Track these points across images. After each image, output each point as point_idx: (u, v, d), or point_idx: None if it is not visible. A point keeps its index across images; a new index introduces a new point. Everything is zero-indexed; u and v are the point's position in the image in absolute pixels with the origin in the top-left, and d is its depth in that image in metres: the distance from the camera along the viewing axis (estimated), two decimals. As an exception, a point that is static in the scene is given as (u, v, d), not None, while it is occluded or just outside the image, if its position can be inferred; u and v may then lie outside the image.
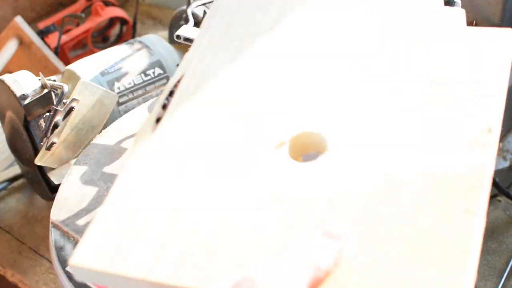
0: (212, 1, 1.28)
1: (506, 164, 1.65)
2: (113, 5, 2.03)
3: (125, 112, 1.32)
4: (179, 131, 0.67)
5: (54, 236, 0.94)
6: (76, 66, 1.35)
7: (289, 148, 0.63)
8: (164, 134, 0.67)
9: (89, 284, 0.80)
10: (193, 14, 1.22)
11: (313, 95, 0.67)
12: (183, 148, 0.65)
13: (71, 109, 1.10)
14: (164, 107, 0.69)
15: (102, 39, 2.06)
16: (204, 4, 1.31)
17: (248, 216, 0.58)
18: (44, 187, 1.28)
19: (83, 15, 1.89)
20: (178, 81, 0.71)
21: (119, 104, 1.34)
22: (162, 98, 0.70)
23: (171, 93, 0.71)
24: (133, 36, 2.00)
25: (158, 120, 0.68)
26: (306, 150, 0.65)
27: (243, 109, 0.68)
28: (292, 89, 0.68)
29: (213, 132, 0.66)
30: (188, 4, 1.26)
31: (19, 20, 1.78)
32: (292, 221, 0.57)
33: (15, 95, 1.18)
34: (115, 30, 2.06)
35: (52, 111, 1.12)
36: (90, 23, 1.94)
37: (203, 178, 0.62)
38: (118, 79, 1.35)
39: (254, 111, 0.67)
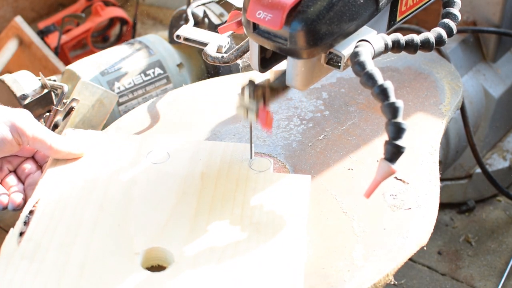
0: (212, 1, 1.28)
1: (506, 164, 1.65)
2: (113, 5, 2.03)
3: (125, 112, 1.32)
4: (43, 242, 0.83)
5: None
6: (76, 66, 1.35)
7: (142, 258, 0.81)
8: (30, 245, 0.82)
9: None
10: (193, 14, 1.22)
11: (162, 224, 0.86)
12: (48, 256, 0.81)
13: (71, 109, 1.10)
14: (26, 223, 0.85)
15: (102, 39, 2.06)
16: (204, 4, 1.31)
17: None
18: (44, 187, 1.28)
19: (83, 15, 1.89)
20: (37, 202, 0.88)
21: (119, 104, 1.34)
22: (23, 216, 0.86)
23: (31, 212, 0.87)
24: (133, 36, 2.00)
25: (21, 233, 0.84)
26: (156, 262, 0.82)
27: (103, 227, 0.85)
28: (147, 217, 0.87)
29: (74, 241, 0.83)
30: (188, 4, 1.26)
31: (19, 20, 1.78)
32: None
33: (15, 95, 1.18)
34: (115, 30, 2.06)
35: (52, 111, 1.12)
36: (90, 23, 1.94)
37: (69, 284, 0.78)
38: (118, 79, 1.35)
39: (113, 227, 0.85)
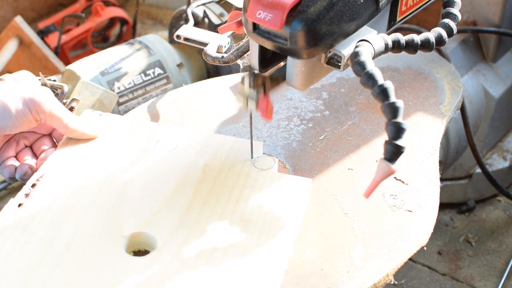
0: (212, 1, 1.28)
1: (506, 164, 1.65)
2: (113, 5, 2.03)
3: (125, 112, 1.32)
4: (38, 215, 0.85)
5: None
6: (76, 66, 1.35)
7: (127, 242, 0.83)
8: (25, 217, 0.85)
9: None
10: (193, 14, 1.22)
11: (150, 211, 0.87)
12: (39, 229, 0.83)
13: (71, 109, 1.10)
14: (26, 195, 0.88)
15: (102, 39, 2.06)
16: (204, 4, 1.31)
17: None
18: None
19: (83, 15, 1.89)
20: (41, 176, 0.91)
21: (119, 104, 1.34)
22: (25, 188, 0.89)
23: (33, 185, 0.89)
24: (133, 36, 2.00)
25: (19, 205, 0.86)
26: (142, 247, 0.84)
27: (97, 208, 0.87)
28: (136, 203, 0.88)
29: (67, 218, 0.85)
30: (188, 4, 1.26)
31: (19, 20, 1.78)
32: None
33: (15, 95, 1.17)
34: (115, 30, 2.06)
35: (52, 111, 1.12)
36: (90, 23, 1.94)
37: (53, 259, 0.80)
38: (118, 79, 1.35)
39: (102, 209, 0.87)
